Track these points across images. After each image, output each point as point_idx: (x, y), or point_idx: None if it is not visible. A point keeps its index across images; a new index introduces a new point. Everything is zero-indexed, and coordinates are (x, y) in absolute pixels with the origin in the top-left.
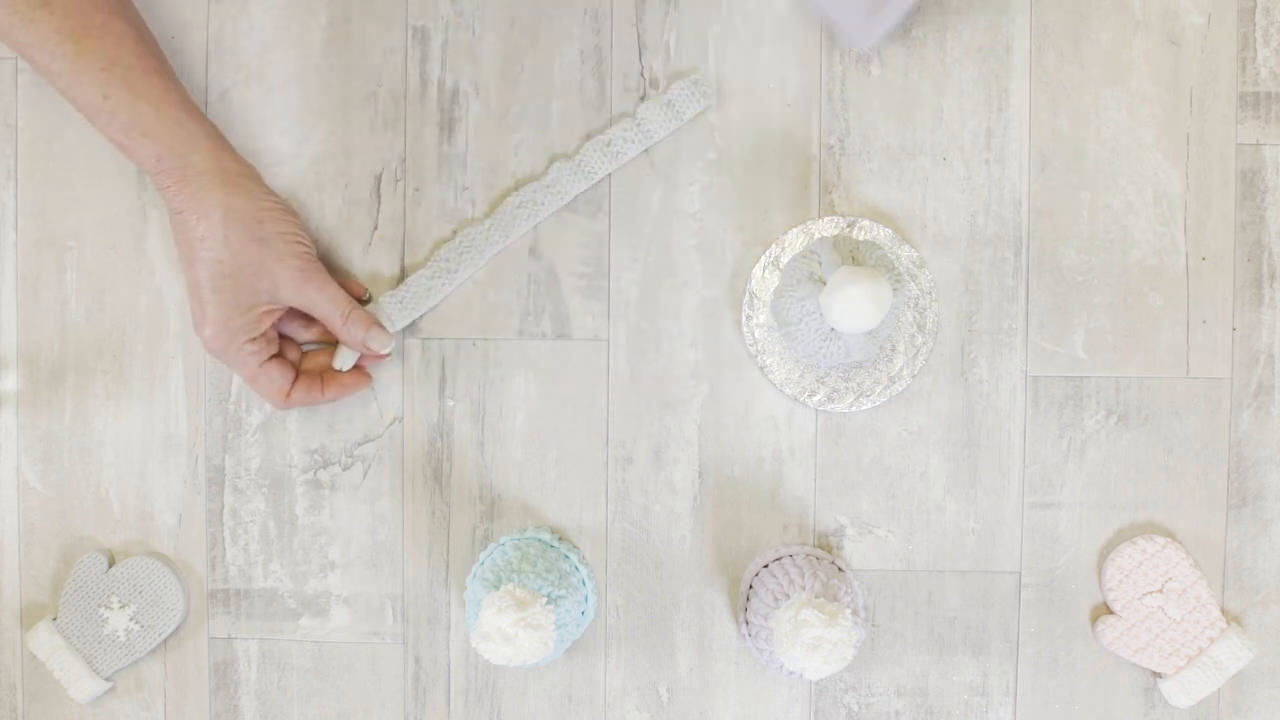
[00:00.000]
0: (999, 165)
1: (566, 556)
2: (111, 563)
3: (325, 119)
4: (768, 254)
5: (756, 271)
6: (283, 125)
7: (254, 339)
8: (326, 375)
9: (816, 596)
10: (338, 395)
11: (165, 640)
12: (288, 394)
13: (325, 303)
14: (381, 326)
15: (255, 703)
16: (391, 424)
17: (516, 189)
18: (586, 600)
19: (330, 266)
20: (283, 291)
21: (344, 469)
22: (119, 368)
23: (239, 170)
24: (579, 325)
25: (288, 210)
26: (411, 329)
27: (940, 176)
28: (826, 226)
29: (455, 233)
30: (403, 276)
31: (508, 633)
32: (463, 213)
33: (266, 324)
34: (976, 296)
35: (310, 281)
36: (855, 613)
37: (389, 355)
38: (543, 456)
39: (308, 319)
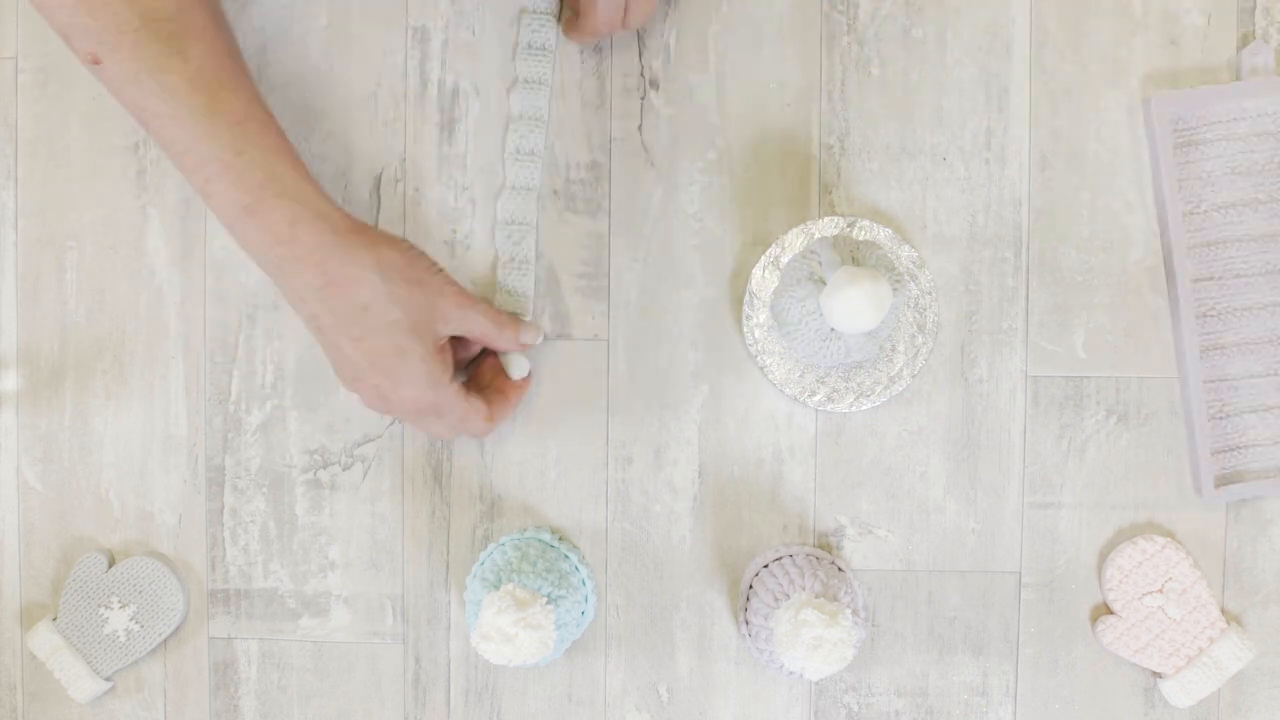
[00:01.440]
0: (999, 165)
1: (566, 556)
2: (111, 563)
3: (325, 119)
4: (768, 254)
5: (756, 271)
6: (283, 125)
7: (453, 378)
8: (503, 385)
9: (816, 596)
10: (519, 401)
11: (165, 640)
12: (490, 416)
13: (482, 318)
14: (525, 321)
15: (255, 703)
16: (391, 424)
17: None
18: (586, 600)
19: None
20: (450, 324)
21: (344, 469)
22: (119, 368)
23: (356, 222)
24: (579, 325)
25: (407, 241)
26: None
27: (940, 176)
28: (826, 226)
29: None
30: None
31: (508, 633)
32: (463, 213)
33: (450, 358)
34: (976, 296)
35: (466, 302)
36: (855, 613)
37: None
38: (543, 456)
39: (461, 341)
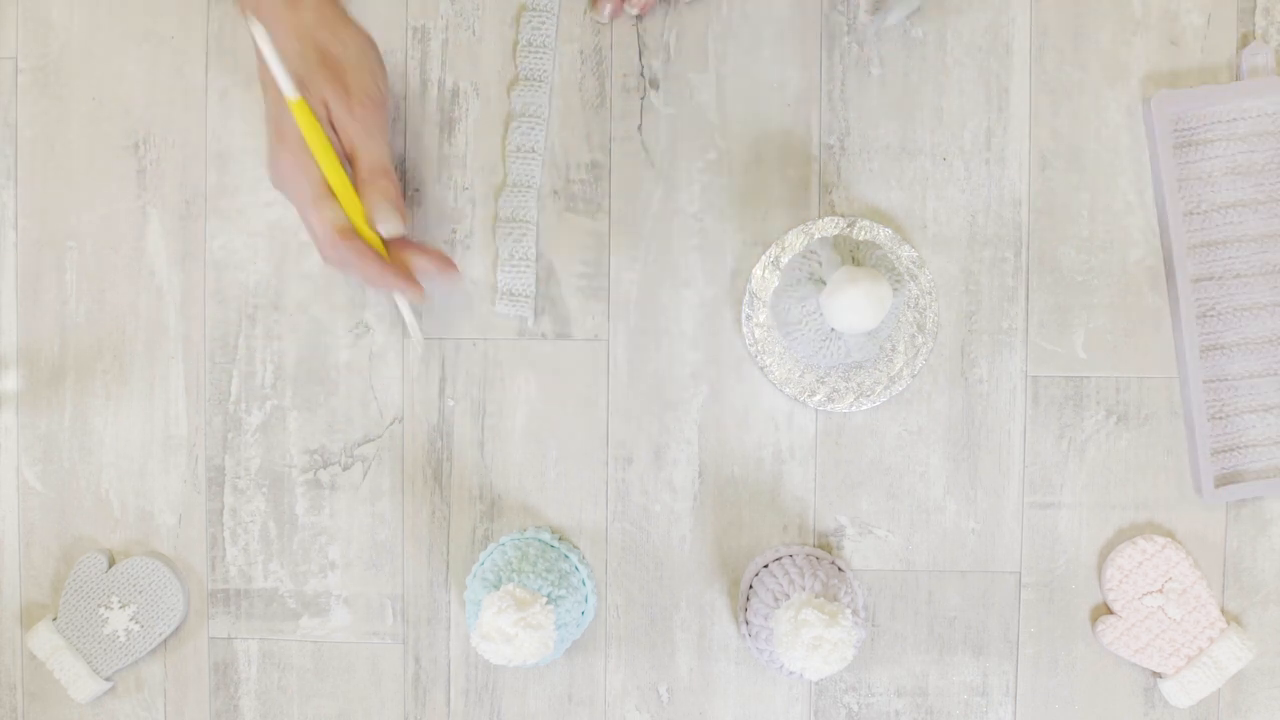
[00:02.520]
0: (999, 165)
1: (566, 556)
2: (111, 563)
3: None
4: (768, 254)
5: (756, 271)
6: None
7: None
8: (395, 259)
9: (816, 596)
10: (391, 283)
11: (165, 640)
12: (342, 233)
13: (367, 147)
14: (398, 209)
15: (255, 703)
16: (391, 424)
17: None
18: (586, 600)
19: (329, 266)
20: (341, 112)
21: (344, 469)
22: (119, 368)
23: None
24: (579, 325)
25: (372, 43)
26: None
27: (940, 176)
28: (826, 226)
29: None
30: None
31: (508, 633)
32: (463, 213)
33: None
34: (976, 296)
35: (368, 119)
36: (855, 613)
37: (402, 234)
38: (543, 456)
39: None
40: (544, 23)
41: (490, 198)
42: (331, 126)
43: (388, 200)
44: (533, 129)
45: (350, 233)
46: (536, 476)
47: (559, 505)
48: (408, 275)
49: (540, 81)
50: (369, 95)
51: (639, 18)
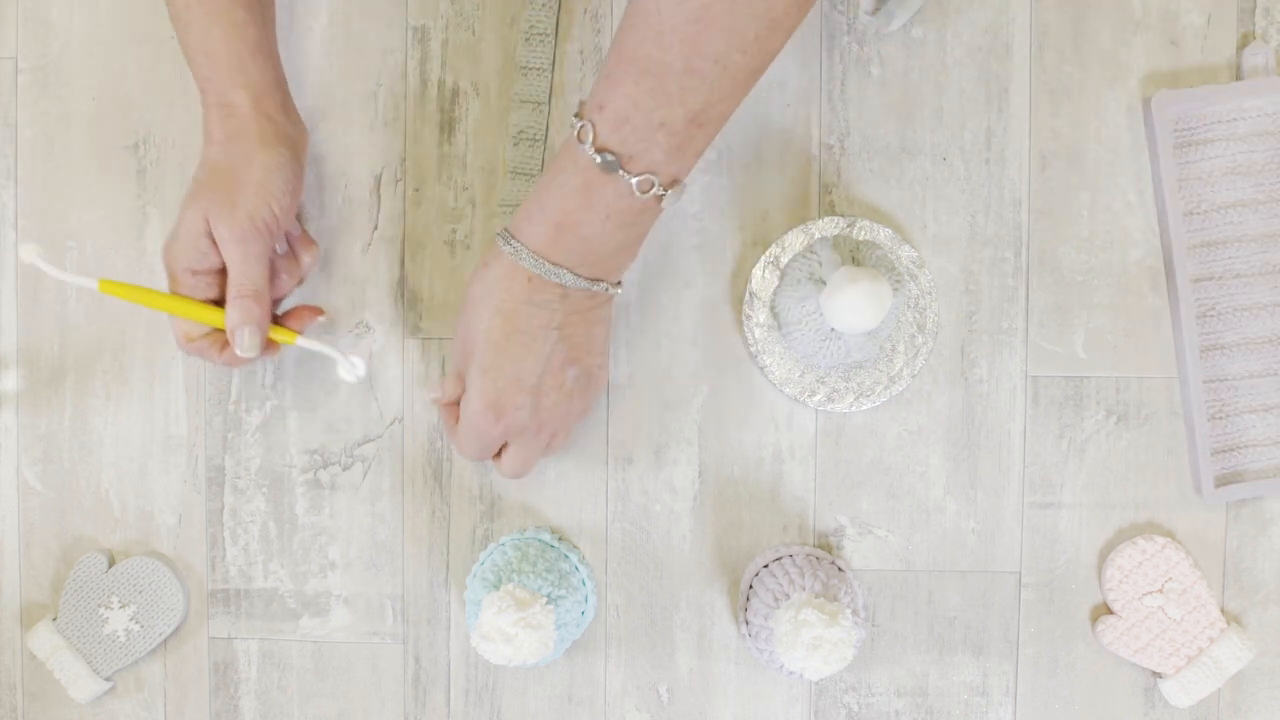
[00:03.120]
0: (999, 165)
1: (566, 556)
2: (111, 563)
3: (325, 119)
4: (768, 254)
5: (756, 271)
6: None
7: (197, 271)
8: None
9: (816, 596)
10: (240, 363)
11: (165, 640)
12: (194, 339)
13: (239, 268)
14: (260, 332)
15: (255, 703)
16: (391, 424)
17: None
18: (586, 600)
19: (330, 266)
20: (222, 230)
21: (344, 469)
22: (119, 368)
23: (277, 131)
24: None
25: (294, 188)
26: (413, 329)
27: (940, 176)
28: (826, 226)
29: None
30: (403, 277)
31: (508, 633)
32: (463, 213)
33: (212, 259)
34: (976, 296)
35: (247, 241)
36: (855, 613)
37: (253, 359)
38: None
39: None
40: (546, 11)
41: (489, 198)
42: (211, 239)
43: (248, 324)
44: (534, 115)
45: (190, 339)
46: (536, 476)
47: (559, 505)
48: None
49: (541, 70)
50: (252, 218)
51: None
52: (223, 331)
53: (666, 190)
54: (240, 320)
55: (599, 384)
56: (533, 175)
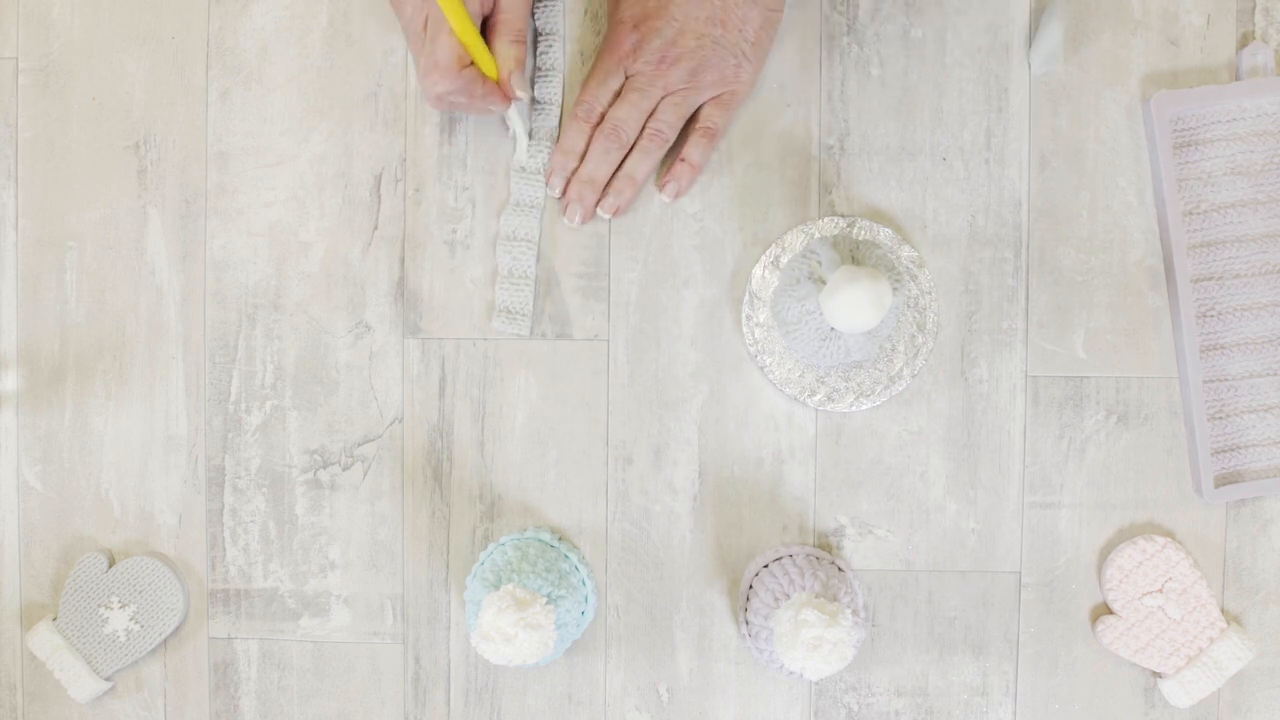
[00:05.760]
0: (999, 165)
1: (566, 556)
2: (111, 563)
3: (325, 119)
4: (768, 254)
5: (756, 271)
6: (283, 125)
7: (479, 10)
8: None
9: (816, 596)
10: (500, 101)
11: (165, 640)
12: (466, 64)
13: (522, 8)
14: (524, 77)
15: (255, 703)
16: (391, 424)
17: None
18: (586, 600)
19: (330, 266)
20: None
21: (344, 469)
22: (119, 368)
23: None
24: (579, 325)
25: None
26: (412, 329)
27: (940, 176)
28: (826, 226)
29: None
30: (403, 276)
31: (508, 633)
32: (462, 213)
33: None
34: (976, 296)
35: None
36: (855, 613)
37: (518, 99)
38: (543, 456)
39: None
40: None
41: (490, 196)
42: None
43: (521, 66)
44: (539, 149)
45: (468, 61)
46: (536, 476)
47: (559, 505)
48: (501, 85)
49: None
50: None
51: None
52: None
53: None
54: (519, 60)
55: (742, 79)
56: (535, 206)
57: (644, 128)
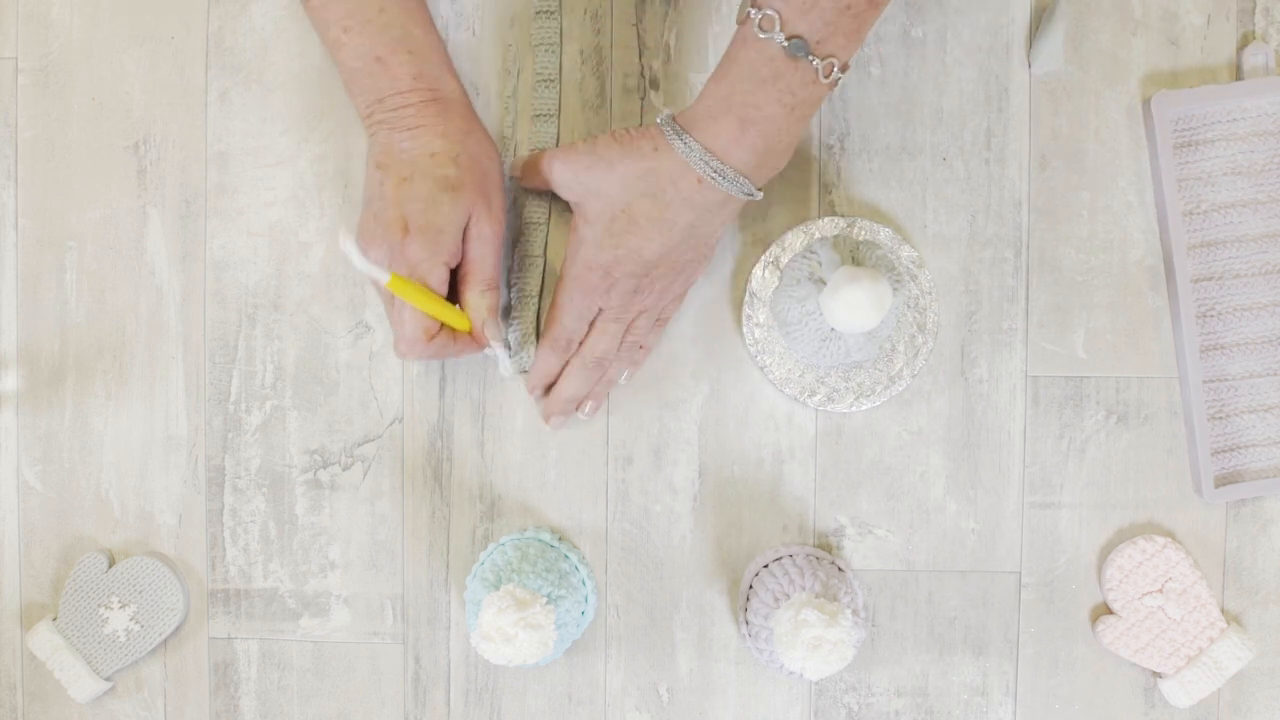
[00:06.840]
0: (999, 165)
1: (566, 556)
2: (111, 563)
3: (325, 119)
4: (768, 254)
5: (756, 271)
6: (283, 125)
7: (448, 265)
8: (463, 334)
9: (816, 596)
10: (456, 352)
11: (165, 640)
12: (434, 335)
13: (491, 252)
14: (498, 322)
15: (255, 703)
16: (391, 424)
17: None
18: (586, 600)
19: (330, 266)
20: (477, 222)
21: (344, 469)
22: (119, 368)
23: (468, 103)
24: None
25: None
26: None
27: (940, 176)
28: (826, 226)
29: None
30: None
31: (508, 633)
32: None
33: (458, 253)
34: (976, 296)
35: (497, 221)
36: (855, 613)
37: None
38: (543, 456)
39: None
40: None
41: None
42: (463, 234)
43: (496, 311)
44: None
45: (435, 330)
46: (536, 476)
47: (559, 505)
48: (475, 336)
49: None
50: (502, 210)
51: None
52: (446, 327)
53: (842, 74)
54: (492, 309)
55: (702, 269)
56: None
57: (621, 341)
